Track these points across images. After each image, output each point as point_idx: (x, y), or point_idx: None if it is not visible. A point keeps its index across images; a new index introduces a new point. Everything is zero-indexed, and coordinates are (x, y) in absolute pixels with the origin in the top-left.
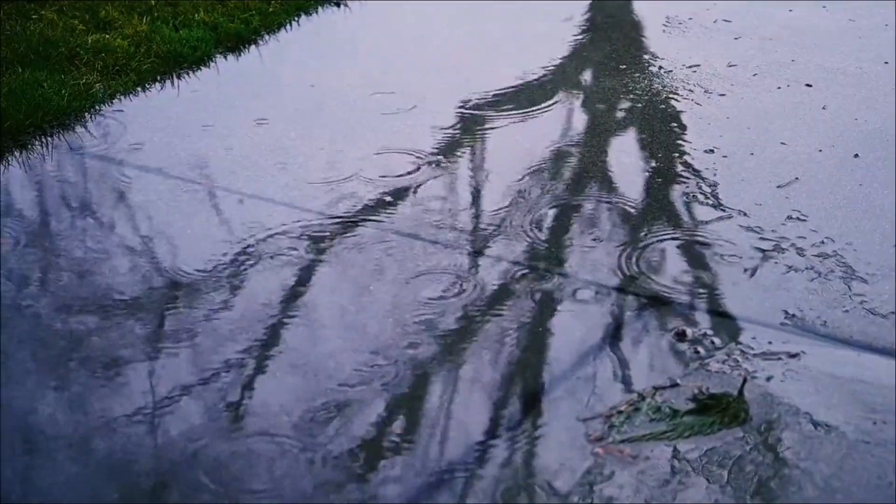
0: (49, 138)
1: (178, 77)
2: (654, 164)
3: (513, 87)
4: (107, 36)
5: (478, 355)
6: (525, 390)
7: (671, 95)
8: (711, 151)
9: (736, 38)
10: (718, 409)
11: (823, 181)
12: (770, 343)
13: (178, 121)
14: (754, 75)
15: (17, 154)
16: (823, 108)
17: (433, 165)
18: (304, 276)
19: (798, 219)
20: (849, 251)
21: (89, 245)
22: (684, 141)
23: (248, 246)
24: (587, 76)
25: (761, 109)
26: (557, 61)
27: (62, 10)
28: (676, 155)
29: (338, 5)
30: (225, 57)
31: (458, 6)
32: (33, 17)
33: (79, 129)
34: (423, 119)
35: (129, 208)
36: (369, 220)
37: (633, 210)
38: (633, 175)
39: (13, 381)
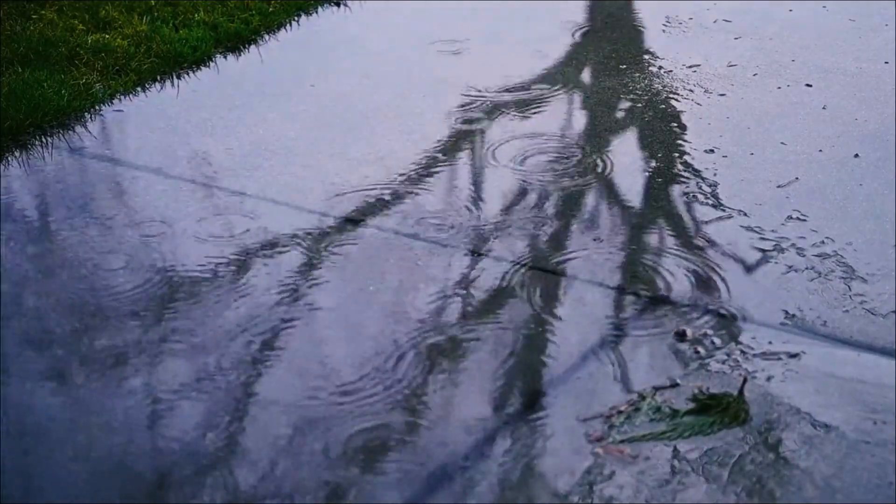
0: (49, 138)
1: (178, 77)
2: (654, 164)
3: (513, 86)
4: (107, 36)
5: (477, 354)
6: (525, 390)
7: (671, 95)
8: (711, 151)
9: (736, 38)
10: (718, 409)
11: (823, 181)
12: (770, 343)
13: (178, 121)
14: (754, 75)
15: (17, 154)
16: (823, 108)
17: (433, 165)
18: (305, 276)
19: (798, 219)
20: (849, 251)
21: (88, 245)
22: (684, 141)
23: (248, 246)
24: (587, 76)
25: (761, 109)
26: (557, 61)
27: (62, 10)
28: (676, 155)
29: (338, 5)
30: (225, 57)
31: (458, 6)
32: (33, 17)
33: (79, 129)
34: (423, 119)
35: (129, 208)
36: (370, 220)
37: (632, 210)
38: (633, 175)
39: (13, 381)
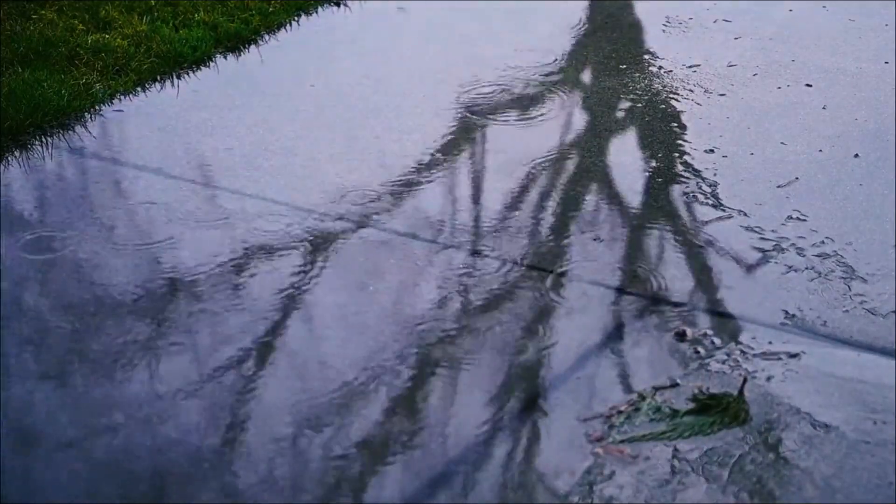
0: (49, 138)
1: (178, 77)
2: (654, 164)
3: (513, 86)
4: (107, 36)
5: (477, 354)
6: (525, 389)
7: (671, 95)
8: (711, 151)
9: (736, 38)
10: (718, 409)
11: (823, 181)
12: (770, 343)
13: (178, 121)
14: (754, 75)
15: (17, 154)
16: (823, 108)
17: (433, 165)
18: (305, 276)
19: (798, 219)
20: (849, 251)
21: (88, 245)
22: (684, 141)
23: (248, 246)
24: (587, 76)
25: (761, 109)
26: (557, 61)
27: (62, 10)
28: (676, 155)
29: (338, 5)
30: (225, 57)
31: (458, 6)
32: (33, 17)
33: (79, 129)
34: (423, 119)
35: (129, 208)
36: (370, 220)
37: (632, 210)
38: (633, 175)
39: (14, 381)
